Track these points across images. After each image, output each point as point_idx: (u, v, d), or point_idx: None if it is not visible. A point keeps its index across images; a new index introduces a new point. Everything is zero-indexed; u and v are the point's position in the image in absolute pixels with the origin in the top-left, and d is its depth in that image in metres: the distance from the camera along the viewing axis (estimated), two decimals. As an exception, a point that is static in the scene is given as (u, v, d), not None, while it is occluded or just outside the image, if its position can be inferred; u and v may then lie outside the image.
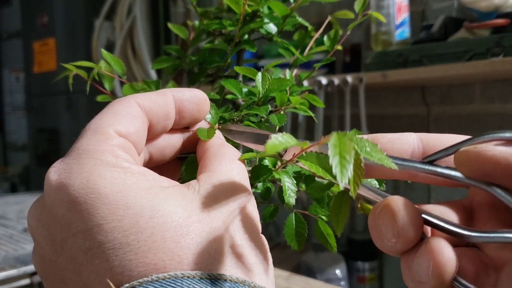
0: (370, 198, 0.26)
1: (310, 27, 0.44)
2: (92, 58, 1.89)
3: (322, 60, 0.42)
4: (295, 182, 0.32)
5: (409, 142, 0.26)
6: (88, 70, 0.36)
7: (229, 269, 0.22)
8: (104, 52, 0.36)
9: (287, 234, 0.35)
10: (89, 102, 1.95)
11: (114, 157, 0.23)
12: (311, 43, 0.44)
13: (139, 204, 0.22)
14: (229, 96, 0.37)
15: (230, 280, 0.21)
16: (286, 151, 0.29)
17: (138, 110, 0.26)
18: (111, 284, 0.20)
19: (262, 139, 0.31)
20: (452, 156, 0.24)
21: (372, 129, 1.31)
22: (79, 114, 2.05)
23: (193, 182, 0.24)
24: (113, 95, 0.37)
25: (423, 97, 1.29)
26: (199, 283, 0.21)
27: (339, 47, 0.43)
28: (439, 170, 0.25)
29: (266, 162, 0.33)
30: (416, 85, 1.27)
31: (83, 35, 2.03)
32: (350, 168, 0.18)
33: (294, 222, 0.35)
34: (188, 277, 0.21)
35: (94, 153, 0.23)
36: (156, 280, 0.20)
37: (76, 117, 2.07)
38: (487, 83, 1.18)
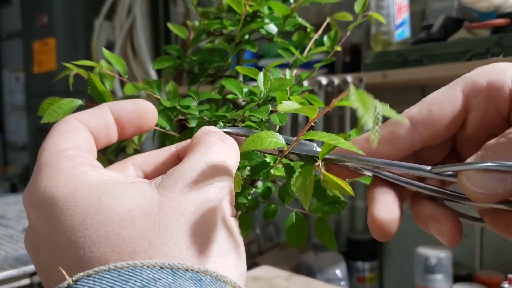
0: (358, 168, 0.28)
1: (309, 28, 0.44)
2: (92, 58, 1.89)
3: (322, 60, 0.43)
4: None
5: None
6: (89, 69, 0.36)
7: (178, 257, 0.22)
8: (105, 51, 0.37)
9: (287, 233, 0.35)
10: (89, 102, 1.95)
11: (70, 162, 0.25)
12: (311, 43, 0.44)
13: (86, 202, 0.23)
14: (229, 96, 0.37)
15: (192, 270, 0.21)
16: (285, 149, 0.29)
17: (78, 124, 0.28)
18: (64, 272, 0.21)
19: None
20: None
21: (372, 129, 1.31)
22: (79, 114, 2.05)
23: (159, 176, 0.25)
24: (114, 95, 0.37)
25: (423, 97, 1.29)
26: (159, 273, 0.21)
27: (339, 48, 0.43)
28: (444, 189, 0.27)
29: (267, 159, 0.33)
30: (416, 85, 1.27)
31: (83, 35, 2.03)
32: (372, 112, 0.20)
33: (294, 221, 0.35)
34: (147, 266, 0.21)
35: (51, 163, 0.25)
36: (114, 269, 0.21)
37: (76, 117, 2.07)
38: (487, 83, 1.18)
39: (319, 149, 0.29)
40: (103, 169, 0.26)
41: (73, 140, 0.27)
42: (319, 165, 0.27)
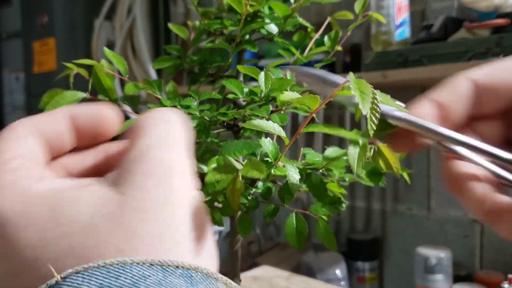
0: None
1: (310, 28, 0.44)
2: (92, 58, 1.89)
3: (323, 60, 0.43)
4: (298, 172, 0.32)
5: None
6: (89, 69, 0.36)
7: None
8: (106, 50, 0.37)
9: (287, 234, 0.35)
10: (89, 102, 1.95)
11: (12, 176, 0.23)
12: (311, 43, 0.44)
13: (41, 216, 0.22)
14: (230, 96, 0.37)
15: (183, 267, 0.21)
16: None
17: (24, 131, 0.26)
18: (53, 271, 0.20)
19: (329, 83, 0.29)
20: None
21: (372, 129, 1.31)
22: (79, 114, 2.05)
23: (110, 173, 0.23)
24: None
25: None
26: (149, 270, 0.20)
27: (339, 48, 0.43)
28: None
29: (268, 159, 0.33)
30: (416, 85, 1.27)
31: (83, 35, 2.03)
32: (369, 99, 0.20)
33: (294, 221, 0.35)
34: (137, 263, 0.20)
35: None
36: (103, 266, 0.20)
37: (76, 117, 2.07)
38: (487, 83, 1.18)
39: (398, 112, 0.25)
40: (52, 178, 0.24)
41: (19, 148, 0.25)
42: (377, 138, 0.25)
